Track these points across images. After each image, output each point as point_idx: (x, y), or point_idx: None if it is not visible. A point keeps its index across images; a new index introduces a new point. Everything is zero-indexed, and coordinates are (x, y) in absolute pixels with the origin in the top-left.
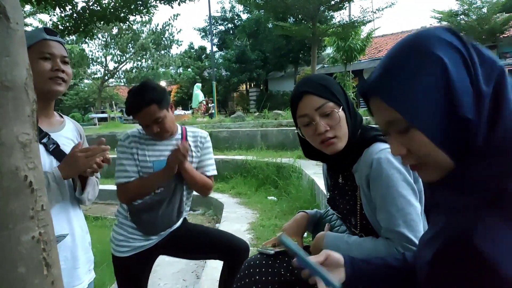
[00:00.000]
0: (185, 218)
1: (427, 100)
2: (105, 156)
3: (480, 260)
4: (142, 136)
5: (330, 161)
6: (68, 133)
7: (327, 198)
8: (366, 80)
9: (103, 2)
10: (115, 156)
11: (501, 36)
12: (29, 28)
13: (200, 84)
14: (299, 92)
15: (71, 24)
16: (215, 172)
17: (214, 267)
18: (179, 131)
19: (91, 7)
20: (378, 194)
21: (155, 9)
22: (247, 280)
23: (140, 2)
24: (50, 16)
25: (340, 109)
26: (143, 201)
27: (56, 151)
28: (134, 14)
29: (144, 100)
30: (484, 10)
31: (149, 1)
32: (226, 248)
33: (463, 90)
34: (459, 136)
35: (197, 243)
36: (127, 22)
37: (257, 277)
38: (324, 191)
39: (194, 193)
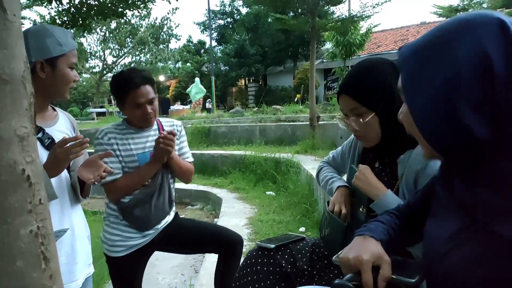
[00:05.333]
0: (176, 213)
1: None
2: (108, 169)
3: None
4: (120, 131)
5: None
6: (62, 127)
7: None
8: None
9: None
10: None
11: None
12: (26, 21)
13: (198, 79)
14: (339, 89)
15: (69, 18)
16: (192, 159)
17: (212, 261)
18: (155, 122)
19: (88, 2)
20: None
21: (153, 4)
22: (248, 269)
23: None
24: (48, 10)
25: (372, 115)
26: (134, 197)
27: (51, 146)
28: (131, 9)
29: (142, 78)
30: (484, 5)
31: None
32: (220, 241)
33: None
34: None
35: (192, 237)
36: (125, 17)
37: (258, 268)
38: None
39: (190, 187)
